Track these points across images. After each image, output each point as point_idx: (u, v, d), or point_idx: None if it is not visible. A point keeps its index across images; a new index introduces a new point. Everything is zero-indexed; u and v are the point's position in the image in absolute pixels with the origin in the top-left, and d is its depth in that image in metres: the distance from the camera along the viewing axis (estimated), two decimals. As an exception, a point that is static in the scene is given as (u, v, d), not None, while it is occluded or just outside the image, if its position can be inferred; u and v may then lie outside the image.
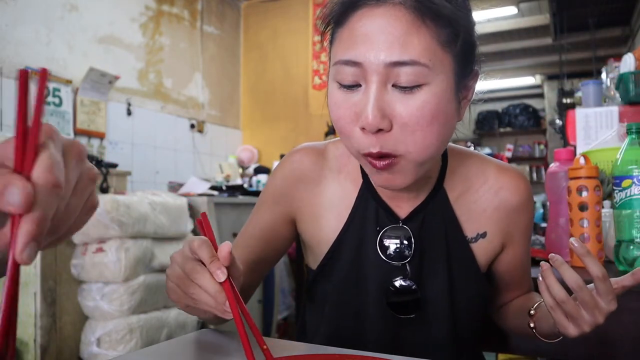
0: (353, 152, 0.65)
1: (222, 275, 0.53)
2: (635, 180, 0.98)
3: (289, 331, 3.20)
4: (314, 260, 0.81)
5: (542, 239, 1.43)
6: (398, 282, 0.72)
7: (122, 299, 2.14)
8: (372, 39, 0.59)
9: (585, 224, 1.07)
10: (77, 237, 2.25)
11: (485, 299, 0.80)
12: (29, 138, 0.36)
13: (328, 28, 0.67)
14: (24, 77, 0.35)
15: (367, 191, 0.76)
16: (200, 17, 4.32)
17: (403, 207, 0.75)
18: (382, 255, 0.73)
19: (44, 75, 0.37)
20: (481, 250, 0.76)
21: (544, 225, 2.77)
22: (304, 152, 0.79)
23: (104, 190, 2.46)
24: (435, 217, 0.75)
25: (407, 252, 0.72)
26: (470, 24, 0.65)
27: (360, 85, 0.61)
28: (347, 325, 0.75)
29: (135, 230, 2.24)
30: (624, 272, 1.01)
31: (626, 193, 1.00)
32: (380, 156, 0.61)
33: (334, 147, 0.80)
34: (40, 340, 2.02)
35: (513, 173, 0.78)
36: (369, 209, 0.75)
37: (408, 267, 0.72)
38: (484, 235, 0.76)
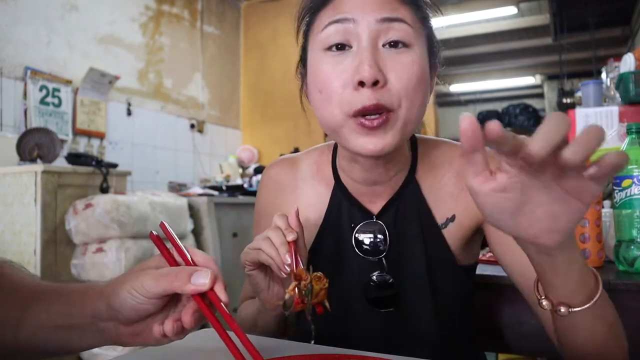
0: (340, 117, 0.64)
1: (291, 235, 0.62)
2: (635, 180, 0.98)
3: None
4: None
5: (542, 239, 1.43)
6: (375, 277, 0.73)
7: (122, 299, 2.14)
8: (362, 3, 0.64)
9: (586, 224, 1.07)
10: (77, 237, 2.25)
11: (466, 289, 0.77)
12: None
13: (305, 19, 0.71)
14: (155, 239, 0.57)
15: (339, 192, 0.78)
16: (200, 17, 4.32)
17: (376, 203, 0.76)
18: (358, 252, 0.74)
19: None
20: (451, 235, 0.74)
21: (544, 225, 2.76)
22: (278, 164, 0.86)
23: (104, 190, 2.46)
24: (408, 209, 0.74)
25: (382, 246, 0.73)
26: (431, 19, 0.71)
27: (350, 47, 0.64)
28: (332, 322, 0.72)
29: (135, 230, 2.24)
30: (624, 272, 1.01)
31: (626, 193, 1.00)
32: (376, 110, 0.62)
33: (307, 157, 0.85)
34: (40, 340, 2.01)
35: None
36: (342, 208, 0.77)
37: (384, 262, 0.73)
38: (452, 219, 0.74)
